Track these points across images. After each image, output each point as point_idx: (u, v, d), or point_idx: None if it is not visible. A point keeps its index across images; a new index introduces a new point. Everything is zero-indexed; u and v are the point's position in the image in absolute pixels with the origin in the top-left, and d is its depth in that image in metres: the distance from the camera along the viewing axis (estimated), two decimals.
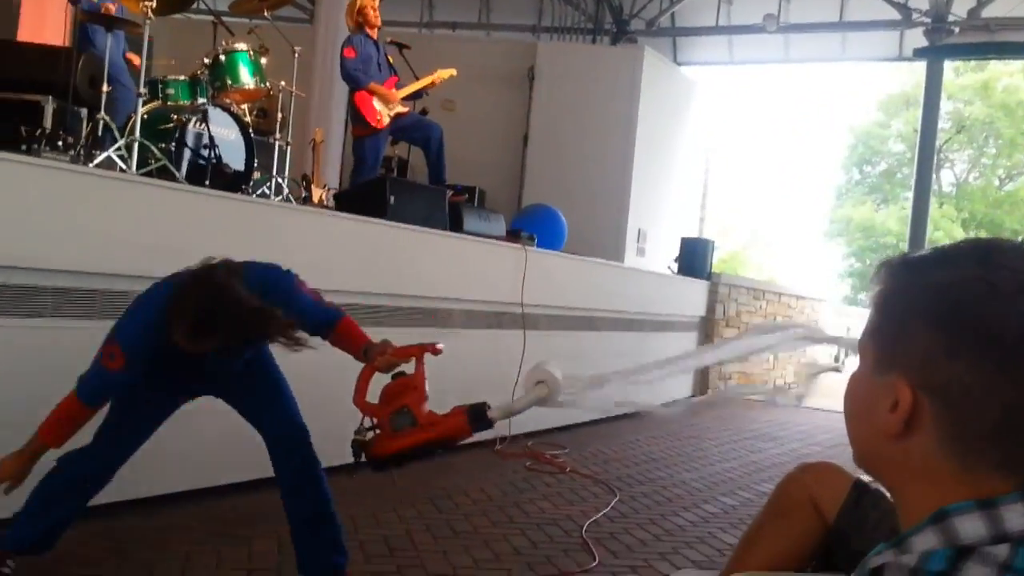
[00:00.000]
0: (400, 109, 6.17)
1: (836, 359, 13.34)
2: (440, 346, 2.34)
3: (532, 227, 6.59)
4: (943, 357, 0.76)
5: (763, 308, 9.48)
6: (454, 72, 6.36)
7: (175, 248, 3.29)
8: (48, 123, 3.97)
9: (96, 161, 3.93)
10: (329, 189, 6.34)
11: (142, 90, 4.28)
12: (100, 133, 4.26)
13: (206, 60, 5.07)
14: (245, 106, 5.40)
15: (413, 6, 12.17)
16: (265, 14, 5.73)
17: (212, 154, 4.55)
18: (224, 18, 6.04)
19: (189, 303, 2.18)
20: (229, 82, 5.06)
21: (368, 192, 4.96)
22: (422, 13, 12.52)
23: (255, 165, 4.95)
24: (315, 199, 5.88)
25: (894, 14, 10.55)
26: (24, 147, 3.74)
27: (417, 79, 6.27)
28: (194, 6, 5.85)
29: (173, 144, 4.42)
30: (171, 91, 4.94)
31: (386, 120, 6.04)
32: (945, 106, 21.07)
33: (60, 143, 3.92)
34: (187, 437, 3.36)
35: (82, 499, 2.52)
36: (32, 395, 2.89)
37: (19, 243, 2.86)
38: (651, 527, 3.71)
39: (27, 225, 2.88)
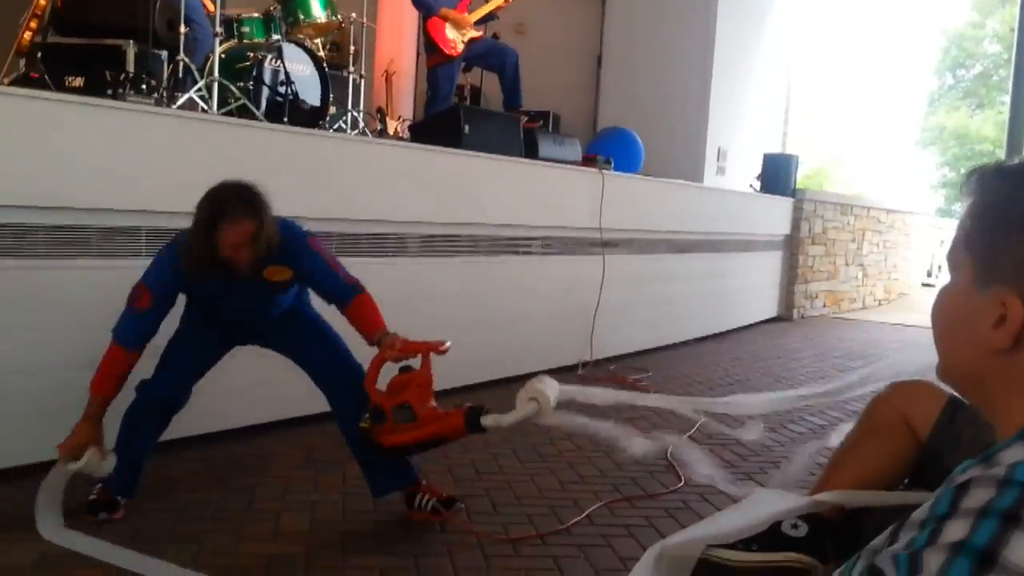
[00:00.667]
0: (473, 34, 6.08)
1: (929, 273, 12.89)
2: (446, 346, 2.42)
3: (608, 150, 6.48)
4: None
5: (851, 224, 9.17)
6: None
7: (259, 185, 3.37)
8: (131, 67, 4.06)
9: (179, 103, 4.02)
10: (404, 120, 6.35)
11: (218, 30, 4.33)
12: (180, 75, 4.34)
13: None
14: (318, 40, 5.41)
15: None
16: None
17: (289, 90, 4.59)
18: None
19: (201, 204, 2.42)
20: (301, 17, 5.07)
21: (442, 122, 4.94)
22: None
23: (331, 100, 4.98)
24: (391, 131, 5.91)
25: None
26: (110, 91, 3.85)
27: (488, 2, 6.16)
28: None
29: (251, 82, 4.48)
30: (246, 29, 4.99)
31: (460, 47, 5.97)
32: None
33: (143, 86, 4.01)
34: (277, 370, 3.50)
35: (159, 423, 2.66)
36: None
37: (111, 186, 2.97)
38: (737, 448, 3.71)
39: (118, 168, 2.98)
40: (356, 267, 3.76)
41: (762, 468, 3.45)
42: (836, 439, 3.22)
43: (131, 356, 2.48)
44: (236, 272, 2.47)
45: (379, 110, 6.41)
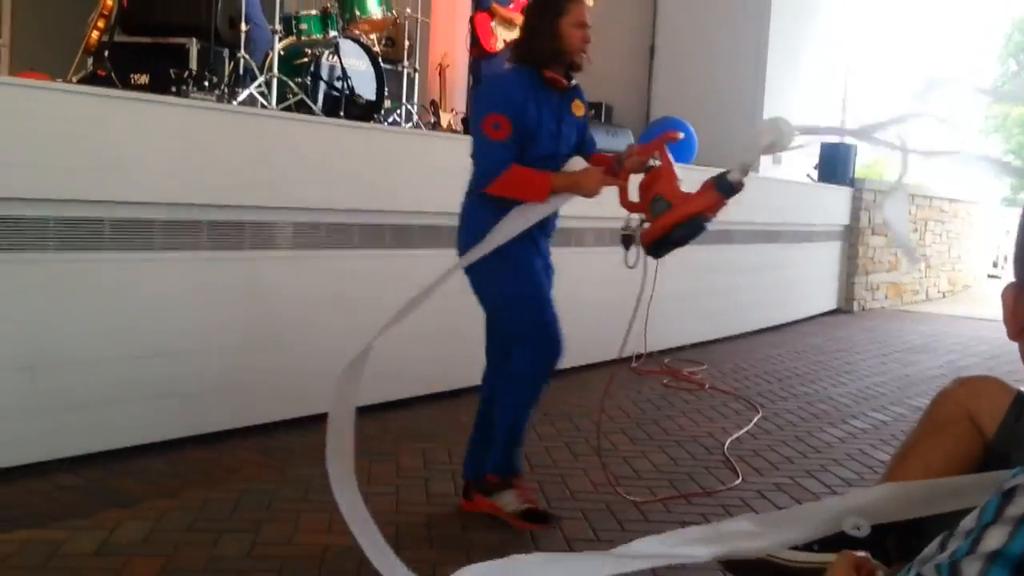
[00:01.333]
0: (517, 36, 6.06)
1: (994, 264, 12.49)
2: (678, 134, 2.59)
3: None
4: None
5: (913, 213, 8.93)
6: None
7: (316, 178, 3.43)
8: (194, 64, 4.16)
9: (239, 99, 4.09)
10: (457, 113, 6.37)
11: (277, 27, 4.40)
12: (241, 72, 4.42)
13: None
14: (374, 36, 5.46)
15: None
16: None
17: (345, 85, 4.65)
18: None
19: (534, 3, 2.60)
20: (358, 13, 5.13)
21: None
22: None
23: (385, 94, 5.03)
24: (443, 124, 5.93)
25: None
26: (174, 88, 3.94)
27: None
28: None
29: (309, 78, 4.54)
30: (304, 26, 5.06)
31: (499, 45, 5.96)
32: None
33: (206, 83, 4.10)
34: (329, 363, 3.55)
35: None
36: (189, 323, 3.12)
37: (176, 181, 3.04)
38: (796, 444, 3.65)
39: (182, 163, 3.06)
40: (408, 259, 3.84)
41: (823, 466, 3.39)
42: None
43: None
44: (576, 64, 2.58)
45: (432, 103, 6.44)
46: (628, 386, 4.53)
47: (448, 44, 7.68)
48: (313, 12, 5.11)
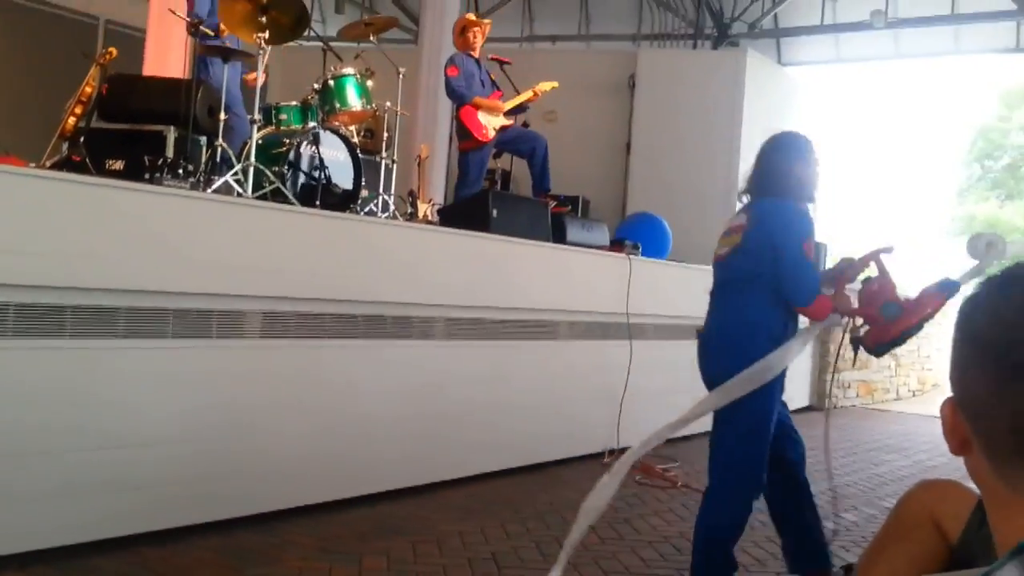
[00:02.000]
0: (504, 122, 6.22)
1: None
2: (891, 247, 2.79)
3: (636, 235, 6.50)
4: (961, 370, 0.80)
5: None
6: (556, 84, 6.37)
7: (287, 268, 3.41)
8: (170, 152, 4.18)
9: (214, 187, 4.11)
10: (434, 204, 6.44)
11: (256, 116, 4.45)
12: (218, 160, 4.45)
13: (316, 85, 5.25)
14: (353, 127, 5.55)
15: (514, 21, 12.27)
16: (371, 38, 5.88)
17: (322, 175, 4.69)
18: (333, 44, 6.24)
19: None
20: (338, 105, 5.22)
21: (471, 206, 5.00)
22: (522, 27, 12.61)
23: (363, 184, 5.08)
24: (421, 215, 5.98)
25: (1009, 4, 9.93)
26: (147, 176, 3.95)
27: (519, 94, 6.31)
28: (305, 34, 6.07)
29: (286, 167, 4.58)
30: (284, 116, 5.14)
31: (491, 133, 6.10)
32: None
33: (181, 171, 4.11)
34: (295, 454, 3.47)
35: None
36: (160, 413, 3.04)
37: (142, 268, 3.01)
38: (768, 544, 3.57)
39: (150, 250, 3.03)
40: (380, 349, 3.80)
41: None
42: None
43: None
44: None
45: (411, 193, 6.52)
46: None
47: (429, 135, 7.84)
48: (293, 103, 5.20)
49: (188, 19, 4.79)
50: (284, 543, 3.20)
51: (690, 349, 5.96)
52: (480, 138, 6.01)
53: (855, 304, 2.77)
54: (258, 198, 4.10)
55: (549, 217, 5.38)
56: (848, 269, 2.86)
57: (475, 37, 6.19)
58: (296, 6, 4.70)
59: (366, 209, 5.22)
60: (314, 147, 4.74)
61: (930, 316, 2.62)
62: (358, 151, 5.07)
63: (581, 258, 5.12)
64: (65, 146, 4.25)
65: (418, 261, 4.01)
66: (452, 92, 6.10)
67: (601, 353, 5.17)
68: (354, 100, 5.21)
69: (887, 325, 2.62)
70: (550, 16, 12.64)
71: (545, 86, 6.32)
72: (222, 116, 4.44)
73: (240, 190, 4.19)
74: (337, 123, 5.24)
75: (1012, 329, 0.74)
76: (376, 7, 12.43)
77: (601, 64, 9.91)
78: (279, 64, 6.79)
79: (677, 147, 9.07)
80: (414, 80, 7.39)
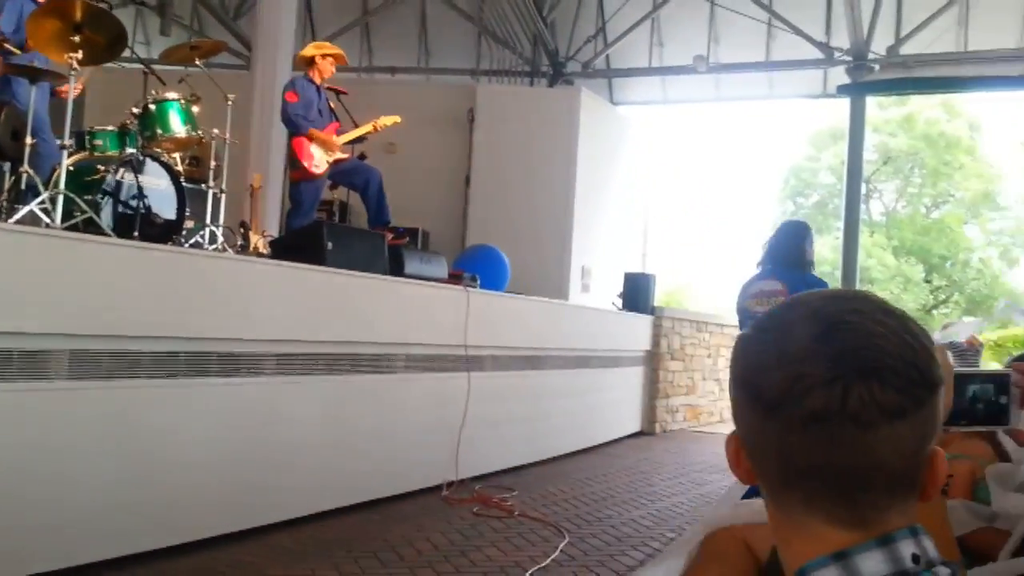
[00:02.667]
0: (340, 156, 6.14)
1: None
2: None
3: (474, 268, 6.57)
4: (736, 407, 0.85)
5: (707, 340, 9.57)
6: (398, 119, 6.36)
7: (98, 303, 3.19)
8: None
9: (16, 216, 3.80)
10: (267, 236, 6.25)
11: (67, 142, 4.17)
12: (23, 187, 4.13)
13: (135, 110, 4.99)
14: (177, 155, 5.30)
15: (352, 51, 12.19)
16: (197, 62, 5.66)
17: (141, 204, 4.44)
18: (156, 67, 5.96)
19: None
20: (159, 131, 4.98)
21: (305, 238, 4.89)
22: (360, 58, 12.57)
23: (187, 214, 4.85)
24: (252, 246, 5.79)
25: (817, 53, 10.93)
26: None
27: (356, 124, 6.26)
28: (124, 55, 5.76)
29: (100, 196, 4.31)
30: (99, 142, 4.84)
31: (323, 167, 6.01)
32: (872, 138, 21.82)
33: None
34: (104, 503, 3.24)
35: None
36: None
37: None
38: (600, 568, 3.66)
39: None
40: (204, 388, 3.61)
41: None
42: None
43: None
44: None
45: (242, 224, 6.29)
46: (438, 516, 4.41)
47: (263, 165, 7.62)
48: (110, 128, 4.91)
49: None
50: None
51: (528, 380, 6.10)
52: (311, 170, 5.91)
53: None
54: (68, 228, 3.83)
55: (386, 249, 5.34)
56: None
57: (330, 66, 6.10)
58: (113, 25, 4.46)
59: (191, 241, 4.99)
60: (133, 175, 4.49)
61: None
62: (182, 179, 4.85)
63: (419, 290, 5.11)
64: None
65: (247, 295, 3.86)
66: (288, 120, 5.98)
67: (439, 385, 5.16)
68: (178, 126, 5.00)
69: None
70: (389, 47, 12.69)
71: (386, 120, 6.30)
72: (28, 140, 4.13)
73: (48, 220, 3.90)
74: (159, 150, 5.00)
75: (761, 372, 0.79)
76: (205, 30, 12.02)
77: (441, 97, 10.04)
78: (96, 87, 6.40)
79: (516, 180, 9.29)
80: (246, 106, 7.18)
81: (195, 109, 5.18)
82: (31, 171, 4.12)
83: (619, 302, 8.57)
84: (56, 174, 4.10)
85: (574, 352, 6.83)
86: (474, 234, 9.16)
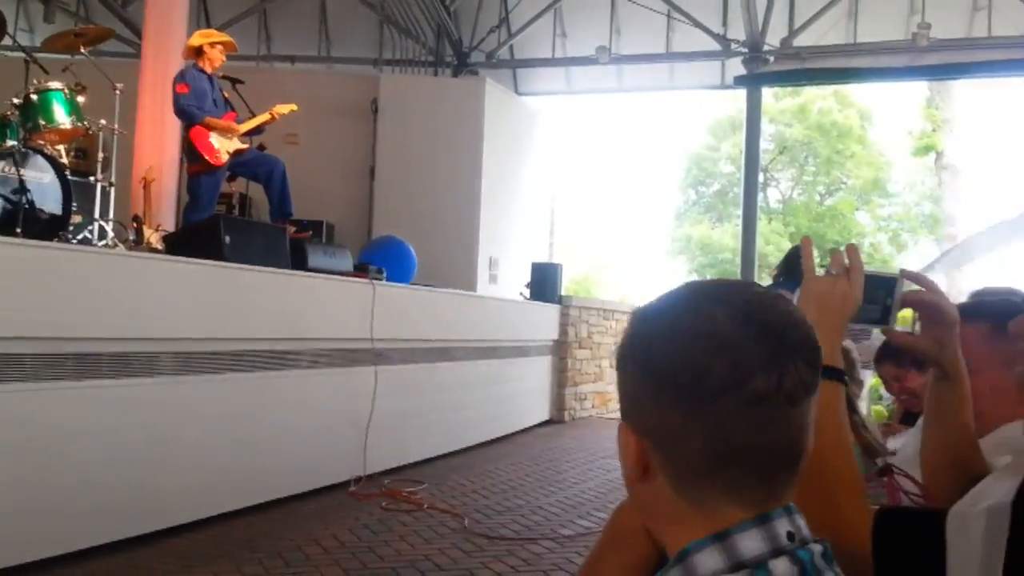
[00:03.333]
0: (239, 145, 5.97)
1: None
2: None
3: (380, 260, 6.51)
4: (649, 401, 0.82)
5: (613, 328, 9.74)
6: (294, 107, 6.24)
7: None
8: None
9: None
10: (162, 230, 6.03)
11: None
12: None
13: (16, 100, 4.73)
14: (62, 147, 5.06)
15: (249, 39, 11.85)
16: (82, 50, 5.41)
17: (24, 199, 4.22)
18: (38, 55, 5.65)
19: None
20: (43, 122, 4.74)
21: (201, 232, 4.74)
22: (259, 46, 12.22)
23: (73, 208, 4.64)
24: (145, 242, 5.58)
25: (715, 45, 11.22)
26: None
27: (254, 115, 6.09)
28: (4, 43, 5.46)
29: None
30: None
31: (224, 157, 5.83)
32: (768, 128, 22.57)
33: None
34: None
35: None
36: None
37: None
38: (510, 558, 3.69)
39: None
40: (94, 390, 3.46)
41: None
42: None
43: None
44: None
45: (135, 219, 6.05)
46: (345, 512, 4.36)
47: (155, 157, 7.33)
48: None
49: None
50: None
51: (436, 372, 6.08)
52: (212, 161, 5.74)
53: None
54: None
55: (288, 243, 5.23)
56: None
57: (219, 54, 5.91)
58: None
59: (79, 236, 4.78)
60: (15, 168, 4.26)
61: None
62: (67, 172, 4.63)
63: (323, 284, 5.02)
64: None
65: (139, 292, 3.71)
66: (181, 111, 5.78)
67: (346, 380, 5.09)
68: (62, 117, 4.77)
69: None
70: (288, 35, 12.38)
71: (283, 108, 6.17)
72: None
73: None
74: (42, 142, 4.76)
75: (690, 363, 0.79)
76: (92, 17, 11.47)
77: (343, 87, 9.87)
78: None
79: (421, 171, 9.22)
80: (135, 97, 6.89)
81: (80, 99, 4.96)
82: None
83: (527, 292, 8.64)
84: None
85: (482, 343, 6.84)
86: (380, 226, 9.06)
